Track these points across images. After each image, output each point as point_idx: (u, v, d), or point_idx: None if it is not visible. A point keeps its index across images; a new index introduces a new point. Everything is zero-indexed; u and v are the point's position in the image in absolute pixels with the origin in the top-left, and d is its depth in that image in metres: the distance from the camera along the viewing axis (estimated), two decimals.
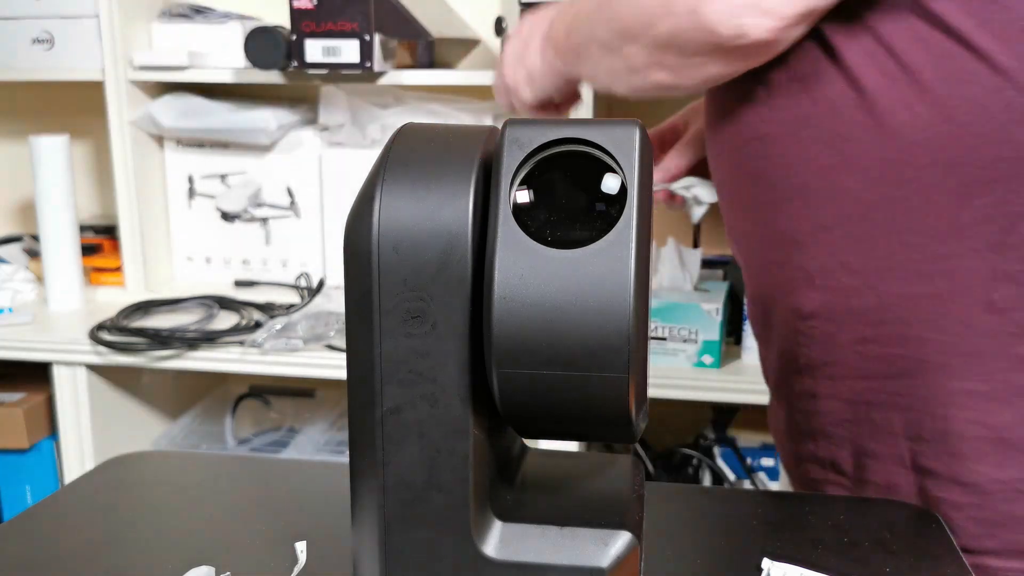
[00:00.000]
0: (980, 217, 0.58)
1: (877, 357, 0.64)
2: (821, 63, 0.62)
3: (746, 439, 1.61)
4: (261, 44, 1.52)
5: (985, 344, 0.60)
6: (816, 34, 0.62)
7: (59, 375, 1.50)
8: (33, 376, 1.62)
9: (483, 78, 1.57)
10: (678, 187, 0.85)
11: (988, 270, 0.59)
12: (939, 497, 0.63)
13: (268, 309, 1.59)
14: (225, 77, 1.61)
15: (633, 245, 0.38)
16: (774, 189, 0.67)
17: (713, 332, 1.38)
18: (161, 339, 1.45)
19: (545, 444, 1.12)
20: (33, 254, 1.78)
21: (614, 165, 0.39)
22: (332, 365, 1.44)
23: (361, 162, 1.63)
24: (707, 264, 1.54)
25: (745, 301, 0.78)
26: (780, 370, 0.73)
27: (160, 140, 1.72)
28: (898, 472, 0.66)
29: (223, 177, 1.72)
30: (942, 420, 0.62)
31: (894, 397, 0.64)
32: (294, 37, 1.50)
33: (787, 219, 0.66)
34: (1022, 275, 0.58)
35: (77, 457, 1.53)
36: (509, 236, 0.39)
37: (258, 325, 1.50)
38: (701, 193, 0.85)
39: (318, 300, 1.60)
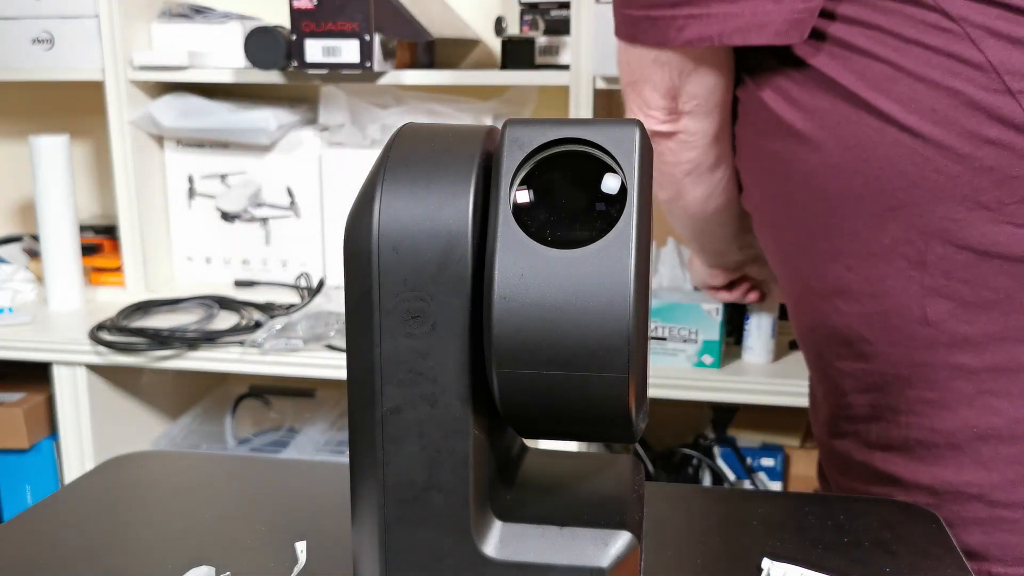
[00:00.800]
0: (898, 240, 0.62)
1: (850, 374, 0.68)
2: (762, 113, 0.68)
3: (746, 439, 1.61)
4: (261, 44, 1.52)
5: (928, 355, 0.63)
6: (754, 92, 0.68)
7: (59, 375, 1.50)
8: (33, 376, 1.62)
9: (483, 78, 1.57)
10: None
11: (917, 287, 0.62)
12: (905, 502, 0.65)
13: (268, 309, 1.59)
14: (225, 77, 1.61)
15: (633, 245, 0.38)
16: (760, 222, 0.74)
17: (713, 332, 1.38)
18: (161, 339, 1.45)
19: (545, 444, 1.12)
20: (33, 254, 1.78)
21: (614, 165, 0.39)
22: (332, 365, 1.44)
23: (361, 162, 1.64)
24: None
25: None
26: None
27: (160, 140, 1.72)
28: (874, 481, 0.69)
29: (223, 177, 1.72)
30: (904, 427, 0.65)
31: (867, 409, 0.68)
32: (294, 37, 1.50)
33: (770, 250, 0.73)
34: (946, 289, 0.62)
35: (77, 457, 1.53)
36: (509, 236, 0.39)
37: (258, 325, 1.50)
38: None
39: (318, 300, 1.60)
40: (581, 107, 1.48)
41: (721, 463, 1.56)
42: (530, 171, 0.40)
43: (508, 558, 0.43)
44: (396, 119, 1.63)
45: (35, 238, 1.75)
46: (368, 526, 0.43)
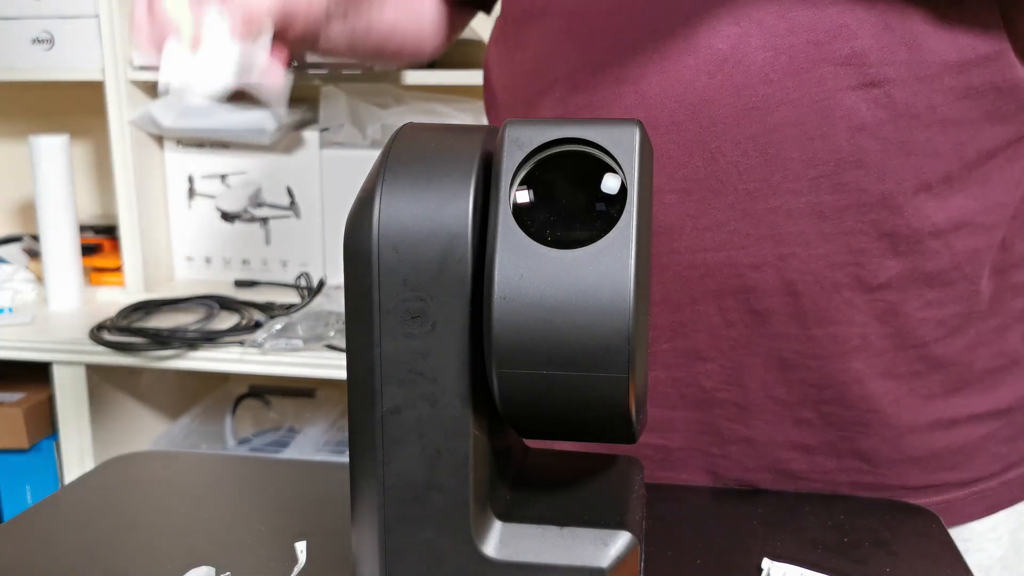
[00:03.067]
0: None
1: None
2: None
3: None
4: None
5: None
6: None
7: (59, 375, 1.50)
8: (33, 376, 1.62)
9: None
10: None
11: None
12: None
13: (268, 309, 1.59)
14: None
15: (633, 245, 0.38)
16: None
17: None
18: (161, 339, 1.45)
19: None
20: (33, 254, 1.78)
21: (614, 165, 0.39)
22: (332, 365, 1.44)
23: (361, 162, 1.64)
24: None
25: None
26: None
27: (160, 140, 1.72)
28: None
29: (223, 177, 1.72)
30: None
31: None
32: None
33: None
34: None
35: (77, 457, 1.53)
36: (509, 236, 0.39)
37: (258, 325, 1.50)
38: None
39: (318, 300, 1.60)
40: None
41: None
42: (530, 171, 0.40)
43: (508, 558, 0.43)
44: (396, 119, 1.63)
45: (35, 238, 1.75)
46: (368, 526, 0.43)
